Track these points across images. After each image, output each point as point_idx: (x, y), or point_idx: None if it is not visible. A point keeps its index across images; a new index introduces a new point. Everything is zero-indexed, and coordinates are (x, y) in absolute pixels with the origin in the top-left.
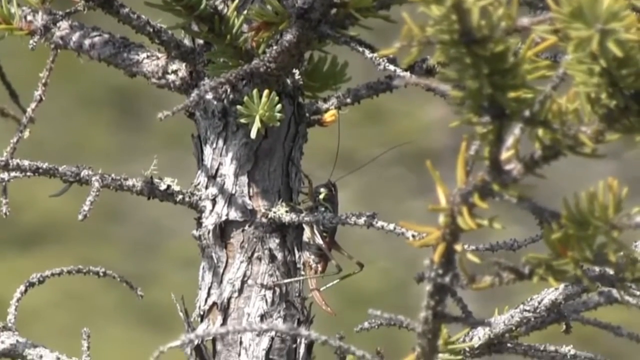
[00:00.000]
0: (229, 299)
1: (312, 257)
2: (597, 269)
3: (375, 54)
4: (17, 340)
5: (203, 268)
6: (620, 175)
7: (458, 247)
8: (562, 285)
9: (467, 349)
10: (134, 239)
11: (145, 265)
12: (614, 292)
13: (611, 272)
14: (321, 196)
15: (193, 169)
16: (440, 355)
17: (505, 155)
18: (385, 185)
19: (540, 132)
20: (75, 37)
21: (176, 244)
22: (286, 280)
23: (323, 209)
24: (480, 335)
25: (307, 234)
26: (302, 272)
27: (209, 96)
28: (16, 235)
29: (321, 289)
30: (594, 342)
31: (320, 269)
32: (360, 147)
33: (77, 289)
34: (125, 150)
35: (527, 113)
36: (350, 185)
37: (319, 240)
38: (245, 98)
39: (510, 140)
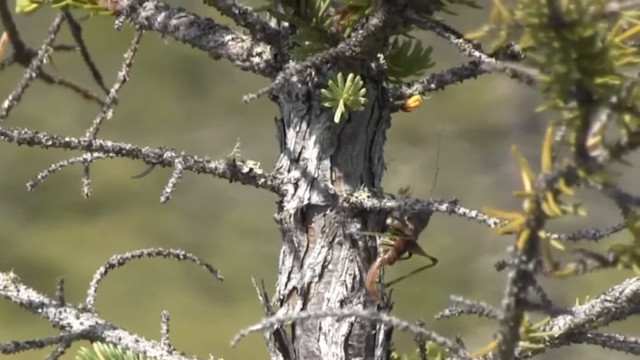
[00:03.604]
0: (309, 284)
1: (384, 245)
2: None
3: (460, 40)
4: (97, 322)
5: (284, 252)
6: None
7: (542, 234)
8: None
9: (547, 338)
10: (196, 208)
11: (206, 234)
12: None
13: None
14: None
15: (256, 137)
16: (520, 343)
17: (591, 141)
18: (450, 159)
19: (627, 118)
20: (160, 17)
21: (237, 214)
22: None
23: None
24: (560, 324)
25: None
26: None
27: (294, 79)
28: (79, 203)
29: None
30: None
31: (386, 257)
32: (424, 121)
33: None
34: (190, 117)
35: (614, 99)
36: (415, 159)
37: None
38: (330, 82)
39: (596, 126)
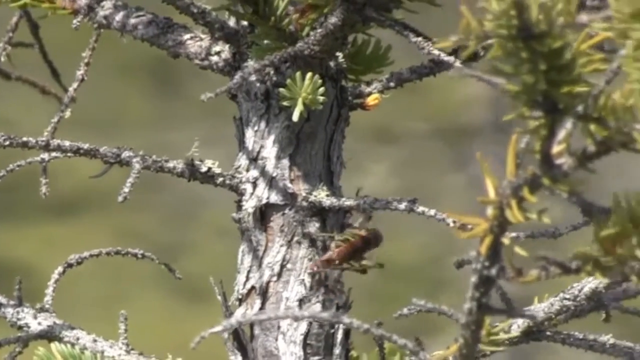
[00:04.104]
0: (267, 283)
1: (335, 242)
2: None
3: (419, 38)
4: (55, 322)
5: (242, 251)
6: None
7: (505, 240)
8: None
9: (506, 338)
10: (171, 208)
11: (181, 234)
12: None
13: None
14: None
15: (230, 139)
16: (481, 345)
17: (556, 149)
18: (423, 159)
19: (593, 127)
20: (118, 16)
21: (213, 214)
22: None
23: None
24: (519, 323)
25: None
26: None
27: (253, 78)
28: (53, 203)
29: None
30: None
31: (337, 251)
32: (396, 120)
33: (112, 257)
34: (164, 118)
35: (580, 108)
36: (388, 159)
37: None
38: (288, 81)
39: (561, 135)
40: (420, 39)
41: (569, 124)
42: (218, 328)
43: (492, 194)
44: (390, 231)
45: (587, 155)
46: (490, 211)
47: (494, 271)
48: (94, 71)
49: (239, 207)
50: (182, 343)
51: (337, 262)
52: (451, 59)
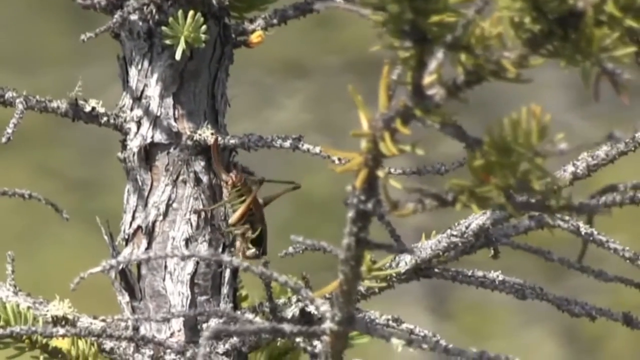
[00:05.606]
0: (153, 223)
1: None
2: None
3: None
4: None
5: (128, 191)
6: (572, 83)
7: (381, 173)
8: (489, 210)
9: (394, 274)
10: (88, 145)
11: (99, 171)
12: (545, 216)
13: (536, 199)
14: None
15: None
16: (366, 281)
17: (427, 80)
18: (335, 92)
19: (463, 57)
20: None
21: None
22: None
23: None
24: (406, 260)
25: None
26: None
27: (134, 17)
28: None
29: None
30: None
31: (235, 179)
32: (308, 53)
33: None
34: (78, 55)
35: (449, 38)
36: (300, 92)
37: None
38: (170, 19)
39: (433, 65)
40: None
41: (439, 54)
42: (97, 269)
43: (365, 127)
44: (304, 165)
45: (458, 85)
46: (363, 144)
47: (370, 205)
48: (9, 8)
49: (124, 147)
50: (95, 281)
51: (232, 185)
52: None
